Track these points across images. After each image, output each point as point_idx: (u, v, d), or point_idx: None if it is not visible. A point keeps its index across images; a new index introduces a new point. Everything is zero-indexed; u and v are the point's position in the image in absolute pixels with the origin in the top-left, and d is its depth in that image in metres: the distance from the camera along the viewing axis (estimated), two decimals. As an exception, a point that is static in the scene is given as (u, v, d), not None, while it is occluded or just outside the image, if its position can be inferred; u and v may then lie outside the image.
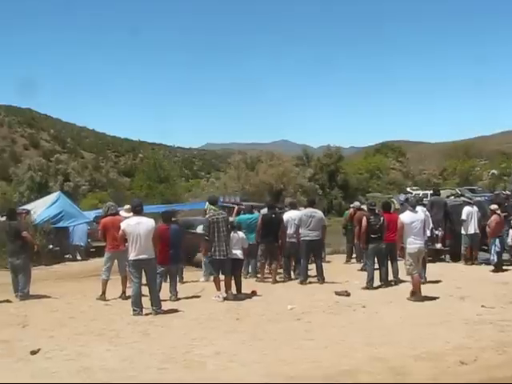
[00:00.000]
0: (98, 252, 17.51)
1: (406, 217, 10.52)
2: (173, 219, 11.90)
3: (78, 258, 20.04)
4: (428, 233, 12.38)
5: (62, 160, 55.02)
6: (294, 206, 14.12)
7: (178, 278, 11.64)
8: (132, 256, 9.35)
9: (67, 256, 19.83)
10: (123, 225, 9.53)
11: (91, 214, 22.36)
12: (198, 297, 11.07)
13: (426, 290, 10.42)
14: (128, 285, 10.63)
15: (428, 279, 11.64)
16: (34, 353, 6.98)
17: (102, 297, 10.88)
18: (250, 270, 13.59)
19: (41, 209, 19.73)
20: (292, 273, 13.34)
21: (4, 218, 12.61)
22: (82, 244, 20.41)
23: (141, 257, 9.33)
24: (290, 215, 13.22)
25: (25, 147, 79.85)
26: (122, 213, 11.65)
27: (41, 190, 40.34)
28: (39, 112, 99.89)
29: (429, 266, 12.48)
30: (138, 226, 9.37)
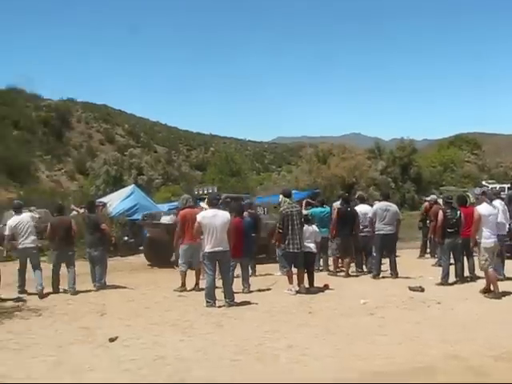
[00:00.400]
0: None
1: (483, 209, 10.14)
2: (250, 211, 11.97)
3: (152, 249, 20.42)
4: (506, 227, 11.99)
5: (135, 154, 56.21)
6: (362, 200, 14.01)
7: (250, 271, 11.72)
8: (207, 248, 9.46)
9: (141, 248, 20.27)
10: (199, 217, 9.64)
11: (165, 207, 22.79)
12: (270, 290, 11.11)
13: (504, 287, 10.10)
14: (201, 277, 10.76)
15: (506, 276, 11.27)
16: (112, 340, 7.21)
17: (182, 288, 11.05)
18: (321, 263, 13.52)
19: (116, 202, 20.27)
20: (364, 267, 13.22)
21: (82, 210, 13.02)
22: (156, 236, 20.75)
23: (216, 249, 9.43)
24: (359, 209, 13.09)
25: (100, 142, 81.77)
26: (203, 205, 11.80)
27: (116, 184, 41.30)
28: (114, 108, 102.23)
29: (507, 262, 12.06)
30: (213, 218, 9.48)
